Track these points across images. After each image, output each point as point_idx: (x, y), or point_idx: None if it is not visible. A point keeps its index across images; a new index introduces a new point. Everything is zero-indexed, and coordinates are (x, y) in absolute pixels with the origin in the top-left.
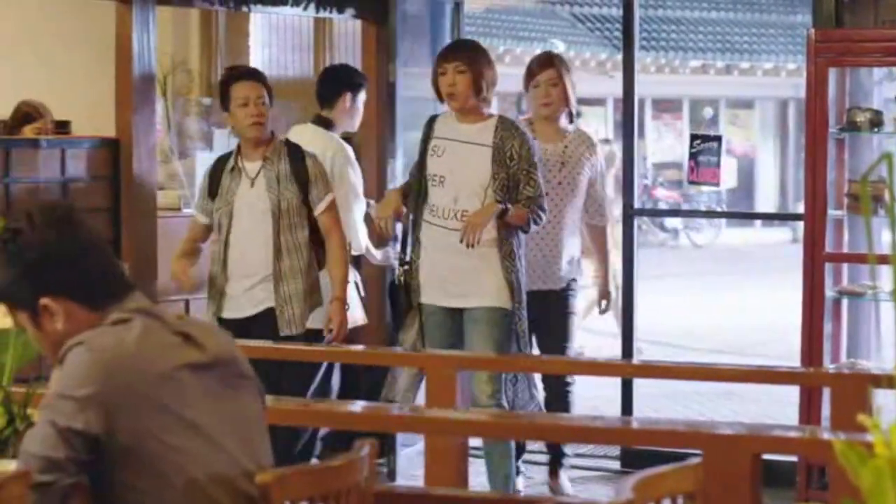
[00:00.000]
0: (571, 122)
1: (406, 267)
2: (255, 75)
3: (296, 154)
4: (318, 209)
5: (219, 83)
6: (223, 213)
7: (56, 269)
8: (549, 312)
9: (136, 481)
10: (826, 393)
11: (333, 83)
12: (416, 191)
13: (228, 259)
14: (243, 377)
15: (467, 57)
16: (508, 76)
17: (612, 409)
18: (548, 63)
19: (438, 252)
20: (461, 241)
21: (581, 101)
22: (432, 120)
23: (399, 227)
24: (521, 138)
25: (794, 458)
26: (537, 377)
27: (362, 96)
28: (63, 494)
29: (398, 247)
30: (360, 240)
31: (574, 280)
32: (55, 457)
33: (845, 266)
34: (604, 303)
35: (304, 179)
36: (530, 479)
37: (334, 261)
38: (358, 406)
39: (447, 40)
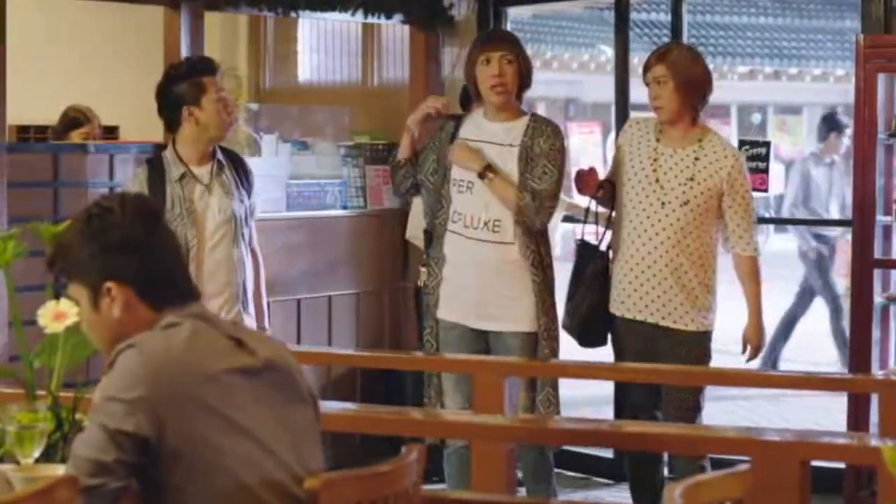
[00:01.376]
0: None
1: (426, 269)
2: (217, 67)
3: (235, 158)
4: (253, 218)
5: (174, 76)
6: (181, 225)
7: (131, 257)
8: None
9: (186, 484)
10: (874, 399)
11: None
12: (436, 198)
13: (203, 278)
14: (295, 385)
15: (515, 46)
16: (556, 82)
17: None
18: (660, 58)
19: (465, 267)
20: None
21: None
22: (453, 118)
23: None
24: (550, 136)
25: (841, 465)
26: None
27: None
28: (112, 498)
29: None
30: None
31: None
32: (105, 460)
33: (894, 272)
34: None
35: (249, 186)
36: None
37: (259, 283)
38: (406, 412)
39: None
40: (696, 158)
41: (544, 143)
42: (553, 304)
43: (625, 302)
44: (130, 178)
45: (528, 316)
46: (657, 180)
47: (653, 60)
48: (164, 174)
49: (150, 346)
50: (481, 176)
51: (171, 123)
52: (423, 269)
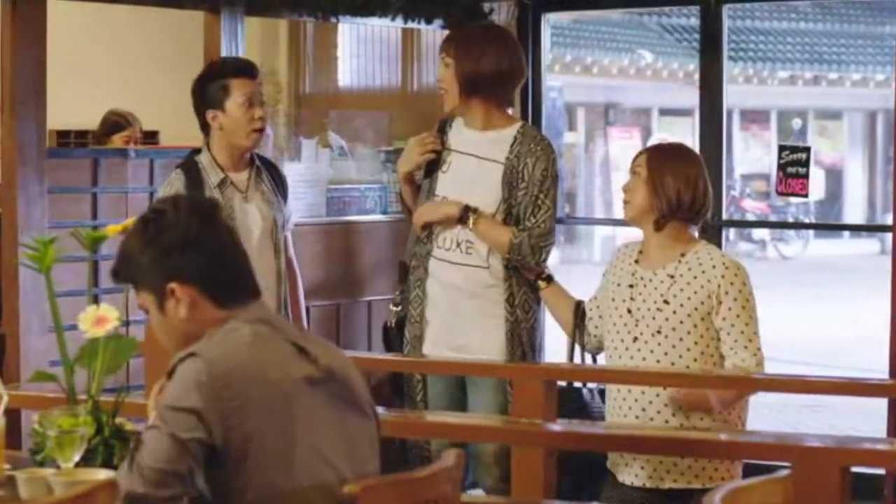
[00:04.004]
0: None
1: (398, 307)
2: (255, 72)
3: (270, 164)
4: (289, 227)
5: (206, 74)
6: None
7: (191, 257)
8: None
9: (246, 490)
10: None
11: None
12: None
13: None
14: (353, 396)
15: (455, 45)
16: (595, 87)
17: None
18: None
19: (440, 290)
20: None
21: (668, 112)
22: (444, 123)
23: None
24: (539, 155)
25: (881, 471)
26: None
27: None
28: None
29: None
30: None
31: None
32: (178, 469)
33: None
34: None
35: (285, 194)
36: None
37: (297, 297)
38: (447, 416)
39: (530, 50)
40: (672, 278)
41: (534, 168)
42: (525, 357)
43: (618, 462)
44: (163, 184)
45: (499, 346)
46: (629, 311)
47: (639, 153)
48: (201, 180)
49: (211, 354)
50: (462, 220)
51: (202, 126)
52: (393, 308)
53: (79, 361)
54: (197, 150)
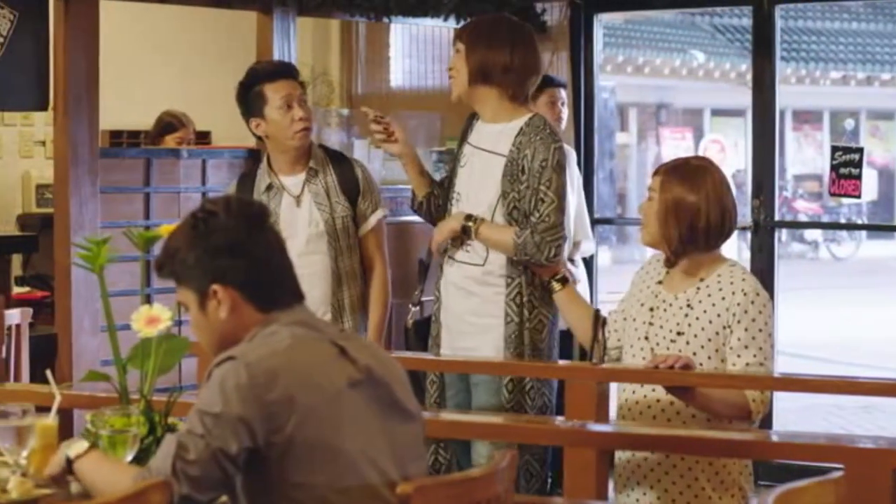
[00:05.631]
0: None
1: (417, 307)
2: (292, 71)
3: (341, 160)
4: (365, 227)
5: (243, 83)
6: None
7: (236, 259)
8: None
9: (289, 491)
10: None
11: None
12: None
13: None
14: (394, 397)
15: (468, 32)
16: (647, 87)
17: None
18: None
19: (448, 290)
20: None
21: (719, 112)
22: (472, 118)
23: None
24: (537, 146)
25: None
26: None
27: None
28: None
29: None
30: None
31: None
32: (212, 475)
33: None
34: None
35: (354, 191)
36: None
37: (376, 297)
38: (500, 418)
39: (582, 51)
40: (689, 306)
41: (532, 159)
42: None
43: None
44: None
45: (497, 346)
46: (646, 337)
47: (657, 170)
48: (251, 187)
49: (250, 358)
50: (465, 231)
51: (254, 133)
52: (413, 308)
53: (131, 361)
54: (254, 151)
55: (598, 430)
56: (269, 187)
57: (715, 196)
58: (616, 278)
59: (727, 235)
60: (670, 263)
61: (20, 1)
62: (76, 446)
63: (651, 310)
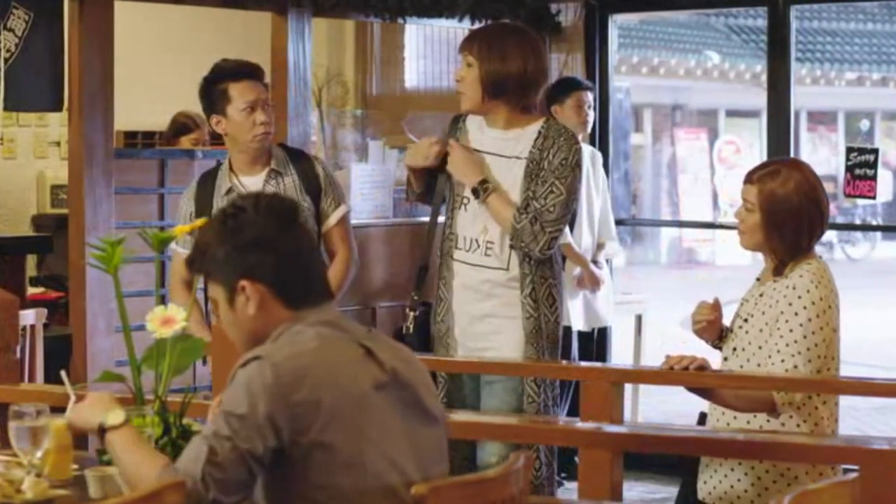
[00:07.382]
0: None
1: (416, 312)
2: (259, 73)
3: (301, 159)
4: (327, 224)
5: (207, 79)
6: None
7: (265, 256)
8: None
9: (311, 492)
10: None
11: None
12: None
13: None
14: (418, 399)
15: (479, 45)
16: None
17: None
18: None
19: (461, 292)
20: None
21: (734, 113)
22: (457, 120)
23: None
24: (561, 145)
25: None
26: None
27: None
28: None
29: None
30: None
31: None
32: (239, 477)
33: None
34: None
35: (316, 189)
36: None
37: (332, 276)
38: (514, 419)
39: (597, 51)
40: (762, 296)
41: (554, 157)
42: (543, 354)
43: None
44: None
45: (514, 347)
46: (730, 326)
47: (750, 178)
48: (213, 189)
49: (276, 358)
50: (475, 192)
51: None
52: (410, 314)
53: (146, 362)
54: None
55: (612, 431)
56: (230, 191)
57: (813, 197)
58: (630, 279)
59: (822, 234)
60: (778, 272)
61: (35, 2)
62: (113, 415)
63: (743, 301)
